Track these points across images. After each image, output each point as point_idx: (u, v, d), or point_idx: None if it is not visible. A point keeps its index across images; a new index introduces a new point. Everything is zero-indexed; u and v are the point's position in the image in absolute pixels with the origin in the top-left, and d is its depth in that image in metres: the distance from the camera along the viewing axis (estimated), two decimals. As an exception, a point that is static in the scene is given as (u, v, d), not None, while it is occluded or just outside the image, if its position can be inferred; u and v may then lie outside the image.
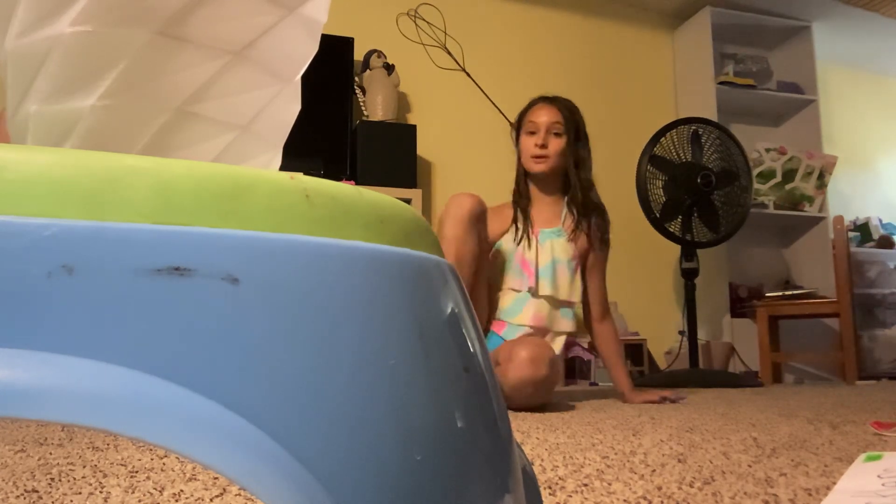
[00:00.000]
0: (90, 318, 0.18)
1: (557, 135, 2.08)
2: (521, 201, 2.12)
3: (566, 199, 2.13)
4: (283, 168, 0.35)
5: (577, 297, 2.07)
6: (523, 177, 2.15)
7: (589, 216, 2.11)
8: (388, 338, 0.22)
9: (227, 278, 0.19)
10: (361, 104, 3.10)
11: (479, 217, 1.88)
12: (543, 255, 2.05)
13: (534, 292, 2.01)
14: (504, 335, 1.99)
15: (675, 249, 3.37)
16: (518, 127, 2.16)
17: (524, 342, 1.80)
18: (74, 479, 0.74)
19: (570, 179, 2.11)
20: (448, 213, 1.87)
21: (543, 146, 2.06)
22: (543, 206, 2.14)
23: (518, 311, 2.01)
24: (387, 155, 2.87)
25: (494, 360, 1.82)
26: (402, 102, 3.34)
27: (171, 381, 0.18)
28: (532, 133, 2.10)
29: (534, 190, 2.15)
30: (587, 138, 2.15)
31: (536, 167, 2.09)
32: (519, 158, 2.16)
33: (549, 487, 0.71)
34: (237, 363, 0.19)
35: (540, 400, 1.76)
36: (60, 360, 0.17)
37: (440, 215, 1.92)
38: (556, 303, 2.04)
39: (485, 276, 2.00)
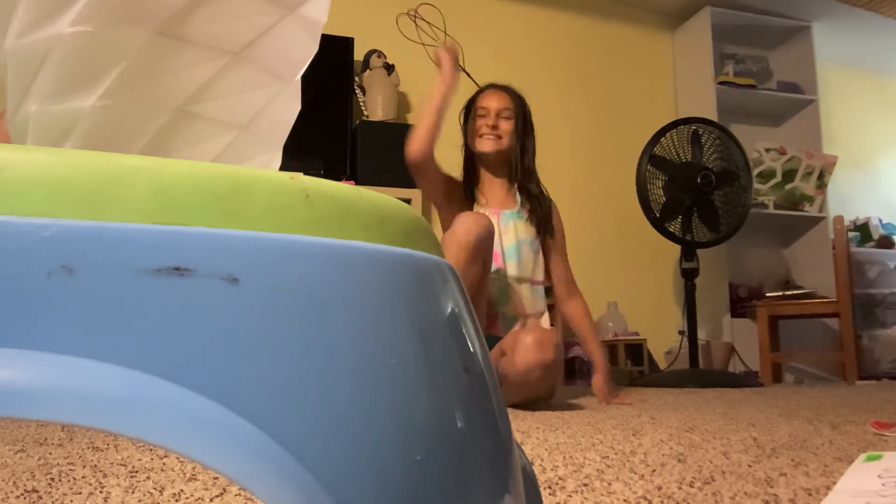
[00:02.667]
0: (90, 319, 0.18)
1: (507, 118, 2.13)
2: (470, 181, 2.18)
3: (516, 184, 2.17)
4: (283, 168, 0.35)
5: (542, 277, 2.14)
6: (471, 160, 2.19)
7: (538, 202, 2.15)
8: (389, 338, 0.22)
9: (227, 278, 0.19)
10: (361, 104, 3.10)
11: (485, 241, 1.84)
12: (508, 236, 2.08)
13: (502, 273, 2.04)
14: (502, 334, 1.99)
15: (675, 249, 3.37)
16: (466, 112, 2.21)
17: (527, 329, 1.83)
18: (74, 479, 0.74)
19: (514, 164, 2.14)
20: (454, 237, 1.78)
21: (495, 127, 2.11)
22: (496, 188, 2.17)
23: (505, 299, 2.05)
24: (387, 155, 2.87)
25: (500, 351, 1.83)
26: (402, 102, 3.33)
27: (172, 381, 0.18)
28: (482, 116, 2.14)
29: (483, 172, 2.18)
30: (533, 129, 2.20)
31: (488, 146, 2.12)
32: (466, 143, 2.20)
33: (549, 487, 0.71)
34: (237, 363, 0.19)
35: (547, 385, 1.77)
36: (60, 361, 0.17)
37: (445, 235, 1.87)
38: (527, 283, 2.08)
39: (485, 296, 1.99)
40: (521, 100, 2.18)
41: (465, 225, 1.79)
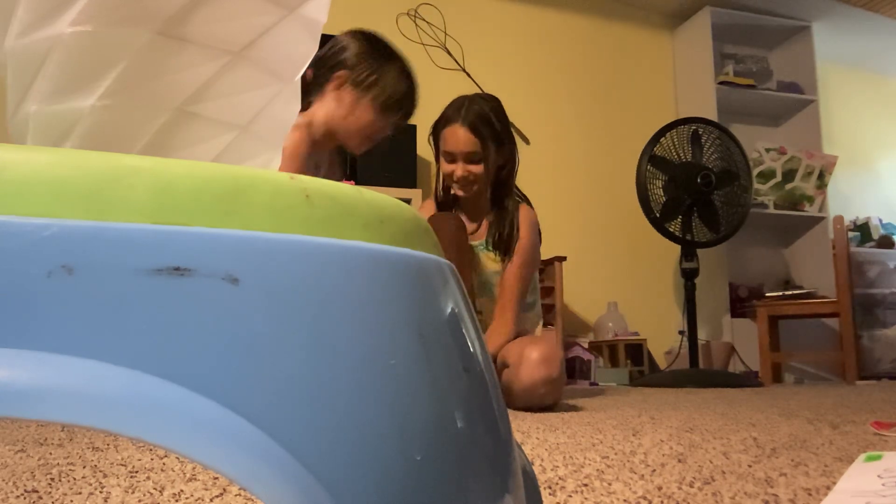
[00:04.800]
0: (90, 318, 0.18)
1: (475, 162, 1.98)
2: (449, 201, 2.10)
3: (492, 214, 2.06)
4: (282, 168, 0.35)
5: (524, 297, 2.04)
6: (447, 189, 2.08)
7: (501, 221, 2.03)
8: (389, 338, 0.22)
9: (227, 278, 0.19)
10: (361, 104, 3.10)
11: (461, 240, 1.88)
12: (477, 271, 2.03)
13: (480, 310, 2.01)
14: None
15: (675, 249, 3.38)
16: (436, 140, 2.06)
17: (532, 342, 1.77)
18: (74, 479, 0.74)
19: (490, 194, 2.04)
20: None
21: (464, 174, 1.97)
22: (472, 215, 2.09)
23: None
24: (387, 155, 2.86)
25: (503, 361, 1.81)
26: (402, 102, 3.33)
27: (171, 381, 0.18)
28: (449, 162, 2.00)
29: (462, 200, 2.09)
30: (510, 144, 2.04)
31: (460, 193, 2.02)
32: (439, 171, 2.08)
33: (549, 487, 0.71)
34: (237, 363, 0.19)
35: (551, 400, 1.73)
36: (60, 360, 0.17)
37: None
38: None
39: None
40: (489, 125, 1.97)
41: (435, 224, 1.85)
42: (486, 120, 1.97)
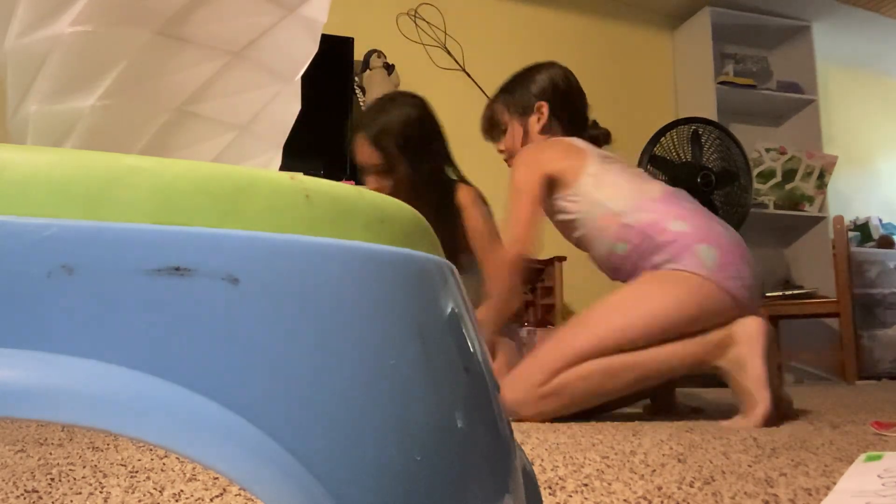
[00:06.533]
0: (90, 319, 0.18)
1: (381, 173, 1.79)
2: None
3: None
4: (282, 168, 0.35)
5: None
6: None
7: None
8: (389, 338, 0.22)
9: (227, 278, 0.19)
10: (361, 104, 3.10)
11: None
12: None
13: None
14: None
15: (675, 249, 3.37)
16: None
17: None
18: (74, 479, 0.74)
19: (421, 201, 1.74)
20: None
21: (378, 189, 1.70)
22: None
23: None
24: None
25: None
26: (402, 102, 3.33)
27: (172, 381, 0.18)
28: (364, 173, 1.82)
29: None
30: (424, 141, 1.83)
31: None
32: None
33: (549, 487, 0.71)
34: (238, 363, 0.19)
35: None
36: (60, 361, 0.17)
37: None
38: None
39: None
40: (385, 132, 1.78)
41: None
42: (384, 128, 1.79)
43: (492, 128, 1.93)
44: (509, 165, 1.83)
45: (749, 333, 1.45)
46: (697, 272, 1.47)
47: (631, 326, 1.46)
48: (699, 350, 1.47)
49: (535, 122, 1.84)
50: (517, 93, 1.92)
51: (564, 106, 1.88)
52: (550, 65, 2.00)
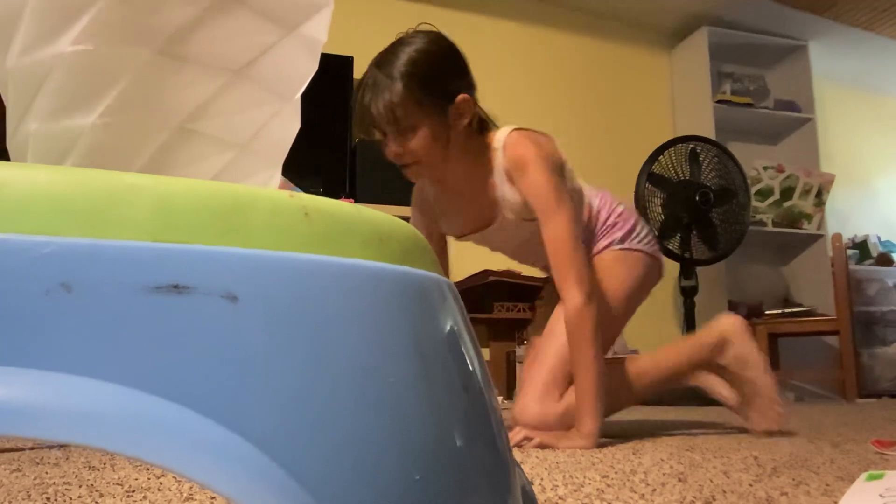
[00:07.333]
0: (88, 336, 0.17)
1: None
2: None
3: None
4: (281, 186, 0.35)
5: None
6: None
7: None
8: (388, 356, 0.21)
9: (226, 296, 0.19)
10: (361, 122, 3.11)
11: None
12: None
13: None
14: None
15: (674, 267, 3.37)
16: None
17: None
18: (70, 498, 0.73)
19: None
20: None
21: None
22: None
23: None
24: (386, 173, 2.87)
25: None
26: (402, 121, 3.35)
27: (170, 399, 0.18)
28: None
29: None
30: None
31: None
32: None
33: (549, 507, 0.70)
34: (236, 381, 0.19)
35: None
36: (58, 378, 0.17)
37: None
38: None
39: None
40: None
41: None
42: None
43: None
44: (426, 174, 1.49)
45: (736, 332, 1.58)
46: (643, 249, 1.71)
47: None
48: (705, 353, 1.59)
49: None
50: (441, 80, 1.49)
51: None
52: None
